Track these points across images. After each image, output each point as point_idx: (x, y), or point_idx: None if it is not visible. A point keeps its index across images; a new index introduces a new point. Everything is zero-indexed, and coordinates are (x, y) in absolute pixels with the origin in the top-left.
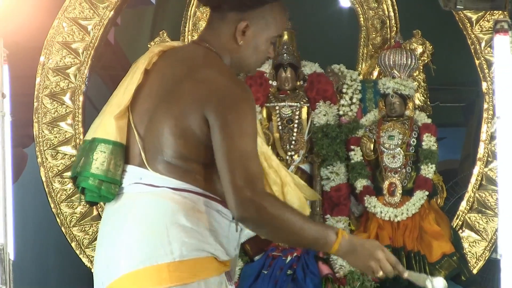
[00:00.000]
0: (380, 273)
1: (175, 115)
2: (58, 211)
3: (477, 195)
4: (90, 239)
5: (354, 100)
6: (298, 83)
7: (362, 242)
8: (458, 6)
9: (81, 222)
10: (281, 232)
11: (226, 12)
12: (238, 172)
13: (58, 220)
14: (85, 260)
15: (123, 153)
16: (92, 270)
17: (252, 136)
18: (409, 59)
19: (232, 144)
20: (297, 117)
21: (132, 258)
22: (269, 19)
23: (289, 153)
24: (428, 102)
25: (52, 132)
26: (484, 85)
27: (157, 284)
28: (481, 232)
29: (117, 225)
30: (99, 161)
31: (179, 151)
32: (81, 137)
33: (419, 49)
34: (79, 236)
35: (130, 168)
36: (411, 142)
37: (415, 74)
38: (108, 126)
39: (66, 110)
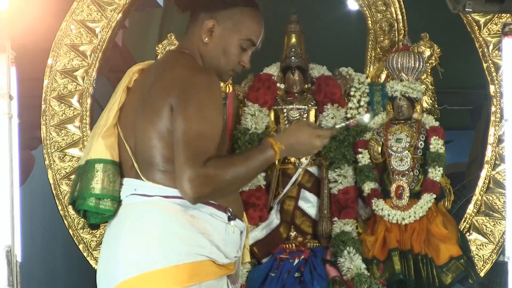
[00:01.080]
0: (322, 145)
1: (151, 120)
2: (66, 213)
3: (484, 198)
4: (97, 242)
5: (362, 103)
6: (306, 86)
7: (295, 130)
8: (466, 9)
9: None
10: (235, 185)
11: (198, 14)
12: (185, 154)
13: (65, 222)
14: (92, 263)
15: (117, 169)
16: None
17: (210, 122)
18: (417, 62)
19: (184, 128)
20: (305, 119)
21: (128, 266)
22: (238, 22)
23: None
24: (436, 105)
25: (60, 134)
26: (492, 88)
27: None
28: (488, 235)
29: (114, 236)
30: (95, 180)
31: (163, 154)
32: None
33: (427, 52)
34: (86, 238)
35: (126, 181)
36: (419, 145)
37: (423, 77)
38: (98, 146)
39: (73, 112)
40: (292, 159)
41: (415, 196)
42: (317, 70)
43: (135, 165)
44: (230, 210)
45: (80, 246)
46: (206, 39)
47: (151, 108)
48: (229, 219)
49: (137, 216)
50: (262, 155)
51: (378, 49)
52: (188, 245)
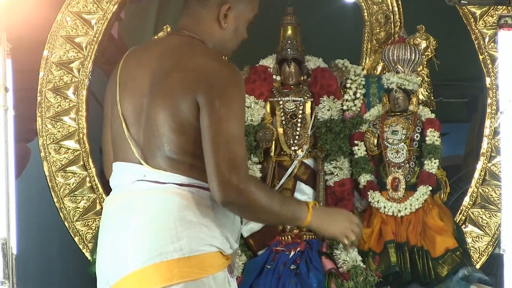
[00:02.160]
0: (353, 238)
1: (171, 110)
2: (61, 205)
3: (480, 190)
4: (93, 234)
5: (358, 95)
6: (302, 78)
7: (335, 210)
8: (462, 1)
9: (84, 216)
10: (261, 214)
11: None
12: (222, 156)
13: (61, 214)
14: (88, 255)
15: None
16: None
17: (240, 121)
18: (413, 54)
19: (218, 128)
20: (300, 112)
21: (141, 255)
22: (248, 0)
23: (293, 148)
24: (432, 97)
25: (56, 126)
26: (487, 80)
27: (168, 281)
28: (484, 227)
29: (123, 222)
30: None
31: (183, 147)
32: (84, 131)
33: (423, 44)
34: (82, 230)
35: (131, 166)
36: (415, 137)
37: (419, 69)
38: None
39: (69, 104)
40: (287, 150)
41: (411, 188)
42: (313, 62)
43: (138, 151)
44: None
45: (76, 238)
46: (224, 24)
47: (171, 99)
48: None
49: (150, 203)
50: (297, 208)
51: (374, 41)
52: (203, 235)
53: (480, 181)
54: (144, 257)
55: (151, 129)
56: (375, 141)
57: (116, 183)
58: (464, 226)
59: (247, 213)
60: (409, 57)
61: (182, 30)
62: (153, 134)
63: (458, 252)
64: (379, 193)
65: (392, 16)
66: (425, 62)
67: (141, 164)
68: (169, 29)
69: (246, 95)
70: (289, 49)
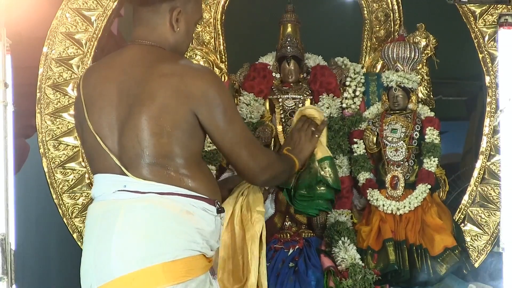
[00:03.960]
0: (317, 132)
1: (153, 115)
2: (60, 202)
3: (479, 189)
4: None
5: (357, 93)
6: (302, 75)
7: (295, 139)
8: (462, 0)
9: (83, 213)
10: (283, 177)
11: (158, 4)
12: (250, 149)
13: (59, 211)
14: None
15: None
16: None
17: (238, 114)
18: (413, 53)
19: (237, 128)
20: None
21: (125, 262)
22: (193, 2)
23: None
24: (431, 96)
25: (55, 122)
26: (487, 79)
27: (154, 285)
28: (483, 225)
29: (106, 230)
30: None
31: (163, 150)
32: None
33: (423, 43)
34: (81, 227)
35: (110, 177)
36: (414, 135)
37: (418, 67)
38: None
39: (68, 101)
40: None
41: (410, 186)
42: (313, 60)
43: (118, 162)
44: (218, 202)
45: (74, 235)
46: (177, 28)
47: (153, 105)
48: (218, 211)
49: (131, 211)
50: (290, 160)
51: (374, 39)
52: (184, 240)
53: (479, 180)
54: (129, 263)
55: (129, 138)
56: (374, 139)
57: (98, 194)
58: (463, 224)
59: (276, 182)
60: (408, 55)
61: (139, 40)
62: (131, 142)
63: (457, 251)
64: (378, 191)
65: (392, 14)
66: (425, 60)
67: (121, 174)
68: None
69: (246, 93)
70: (288, 47)
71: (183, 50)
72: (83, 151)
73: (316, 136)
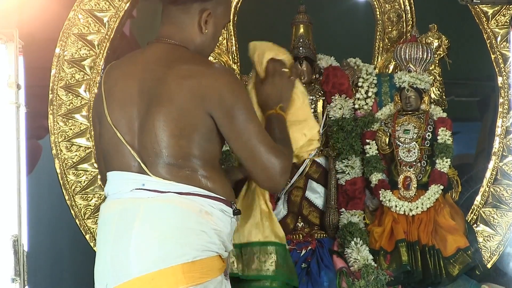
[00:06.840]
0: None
1: (172, 116)
2: (73, 203)
3: (491, 189)
4: None
5: (369, 94)
6: (314, 76)
7: (270, 90)
8: (474, 1)
9: (96, 214)
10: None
11: (189, 4)
12: (266, 147)
13: (72, 212)
14: None
15: None
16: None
17: (255, 116)
18: (425, 53)
19: (253, 127)
20: (312, 110)
21: (144, 261)
22: (224, 6)
23: None
24: (444, 96)
25: (67, 124)
26: (499, 80)
27: (174, 286)
28: (495, 226)
29: (124, 228)
30: None
31: (183, 151)
32: None
33: (435, 43)
34: (93, 228)
35: (128, 175)
36: (427, 136)
37: (430, 68)
38: None
39: (81, 102)
40: None
41: (422, 187)
42: (325, 61)
43: (138, 160)
44: (235, 204)
45: (87, 236)
46: (205, 30)
47: (172, 106)
48: (234, 213)
49: (151, 210)
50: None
51: (386, 40)
52: (204, 241)
53: (492, 181)
54: (148, 264)
55: (148, 137)
56: (387, 140)
57: (113, 191)
58: (475, 225)
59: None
60: (421, 56)
61: (164, 38)
62: (150, 142)
63: (469, 252)
64: (391, 192)
65: (404, 15)
66: (437, 61)
67: (140, 172)
68: None
69: None
70: (301, 48)
71: (208, 53)
72: (96, 148)
73: (292, 78)
